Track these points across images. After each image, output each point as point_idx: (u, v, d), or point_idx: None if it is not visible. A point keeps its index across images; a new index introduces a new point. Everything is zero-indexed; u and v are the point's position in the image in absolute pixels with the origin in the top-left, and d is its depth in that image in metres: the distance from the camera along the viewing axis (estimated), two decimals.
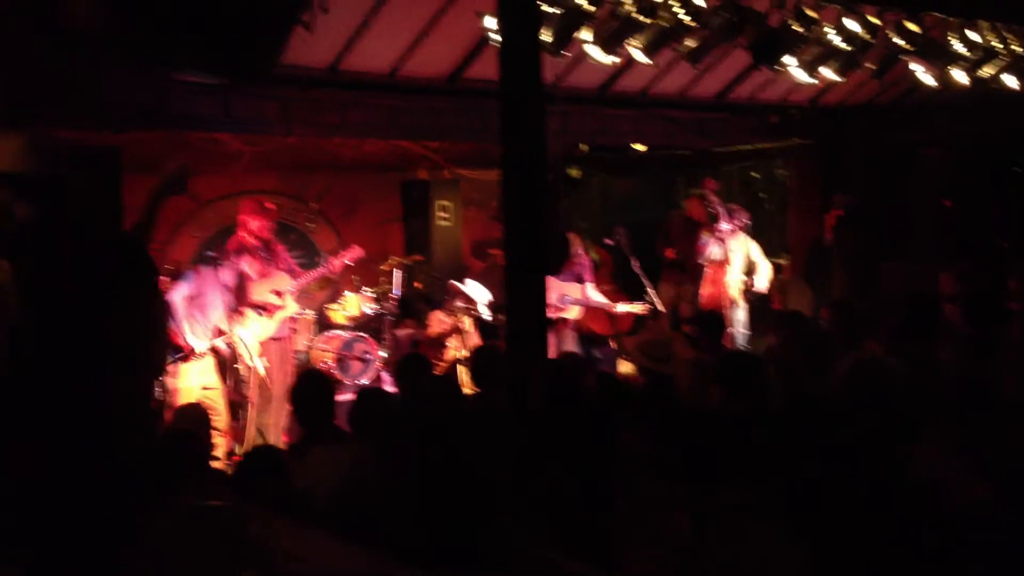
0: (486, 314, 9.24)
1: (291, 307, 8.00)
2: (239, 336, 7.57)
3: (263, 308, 7.80)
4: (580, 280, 9.67)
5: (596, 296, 9.74)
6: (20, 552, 2.93)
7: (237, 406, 7.85)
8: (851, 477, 3.69)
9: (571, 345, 9.62)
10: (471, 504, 2.06)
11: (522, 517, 2.10)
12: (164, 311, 3.66)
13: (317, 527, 2.39)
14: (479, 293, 9.27)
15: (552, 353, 8.93)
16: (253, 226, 7.95)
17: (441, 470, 2.07)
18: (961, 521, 3.37)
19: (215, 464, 5.80)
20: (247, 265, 7.74)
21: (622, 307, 9.77)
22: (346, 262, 8.43)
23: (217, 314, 7.51)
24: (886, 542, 3.23)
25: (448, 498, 2.05)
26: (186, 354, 7.32)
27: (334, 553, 2.03)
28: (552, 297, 9.37)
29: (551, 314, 9.37)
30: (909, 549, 3.25)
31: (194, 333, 7.38)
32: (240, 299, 7.66)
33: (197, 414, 5.58)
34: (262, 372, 7.67)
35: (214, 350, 7.54)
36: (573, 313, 9.61)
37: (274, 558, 1.96)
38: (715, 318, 8.06)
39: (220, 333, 7.53)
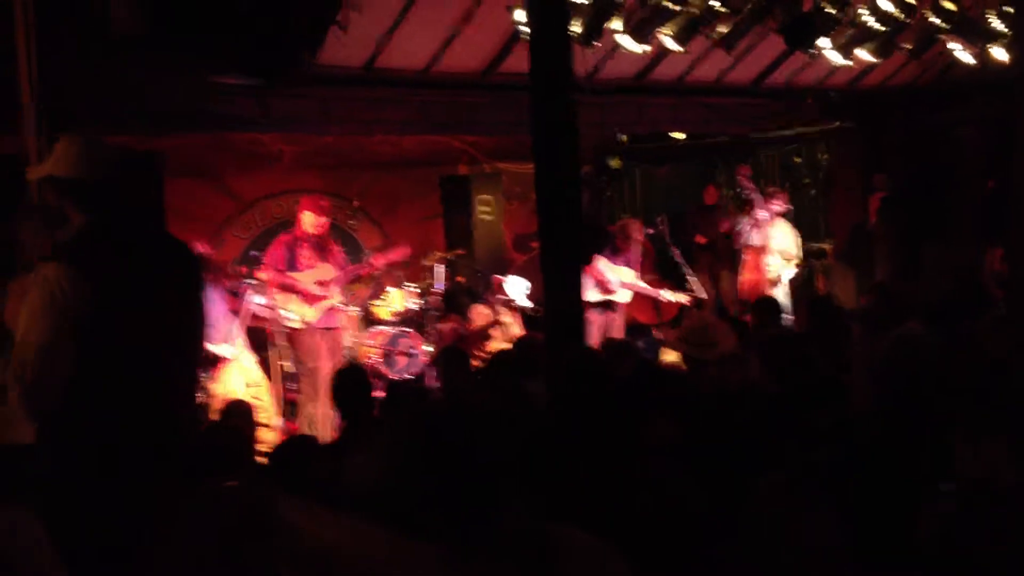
0: (527, 306, 9.31)
1: (335, 297, 8.11)
2: (255, 300, 7.68)
3: (305, 295, 7.94)
4: (630, 265, 9.71)
5: (642, 284, 9.76)
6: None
7: (291, 403, 7.98)
8: (886, 458, 3.68)
9: (620, 332, 9.67)
10: (487, 484, 2.11)
11: (536, 494, 2.15)
12: (205, 311, 3.75)
13: (344, 511, 2.47)
14: (519, 287, 9.33)
15: (600, 337, 9.07)
16: (308, 222, 8.07)
17: (459, 451, 2.13)
18: (995, 505, 3.35)
19: (262, 459, 5.91)
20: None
21: (666, 295, 9.78)
22: (394, 260, 8.61)
23: (215, 309, 7.60)
24: (920, 523, 3.23)
25: (464, 478, 2.11)
26: (216, 362, 7.42)
27: (353, 531, 2.10)
28: (612, 279, 9.44)
29: (604, 295, 9.46)
30: (945, 533, 3.24)
31: (215, 341, 7.46)
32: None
33: (242, 410, 5.70)
34: (296, 323, 7.81)
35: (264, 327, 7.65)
36: (625, 297, 9.65)
37: (298, 536, 2.03)
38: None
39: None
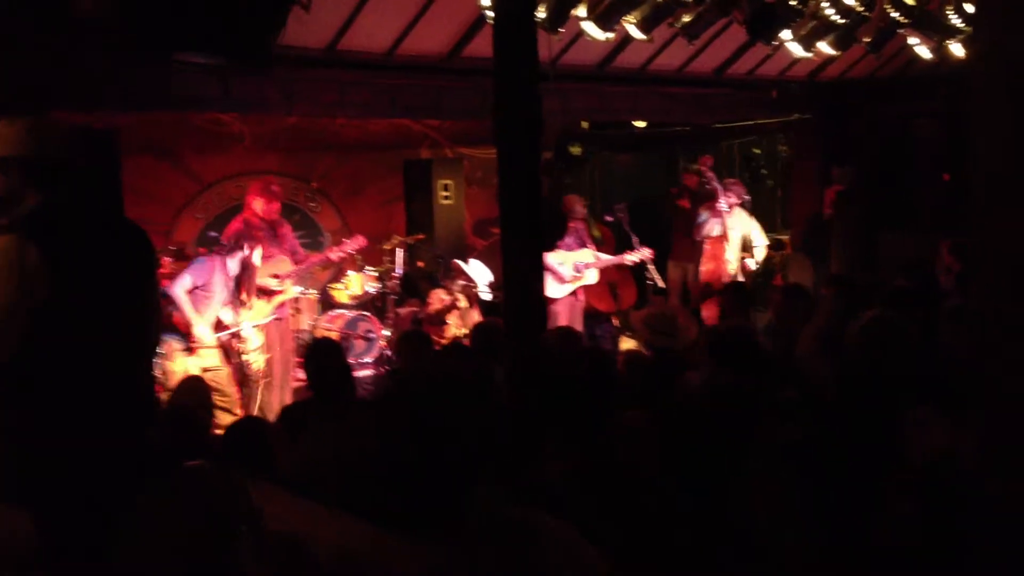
0: (486, 293, 9.32)
1: (290, 291, 8.08)
2: (245, 328, 7.59)
3: (262, 291, 7.89)
4: (584, 245, 9.76)
5: (603, 256, 9.82)
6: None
7: (243, 386, 7.94)
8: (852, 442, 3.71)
9: (579, 319, 9.73)
10: (453, 470, 2.12)
11: (505, 481, 2.17)
12: (159, 294, 3.73)
13: (302, 495, 2.47)
14: (480, 273, 9.34)
15: (568, 322, 9.11)
16: (259, 207, 8.01)
17: (424, 438, 2.14)
18: (962, 493, 3.40)
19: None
20: (252, 252, 7.69)
21: (629, 257, 9.80)
22: (349, 252, 8.60)
23: (218, 306, 7.52)
24: (889, 513, 3.27)
25: (430, 465, 2.12)
26: (191, 346, 7.37)
27: (322, 519, 2.10)
28: (568, 267, 9.50)
29: (571, 283, 9.51)
30: (912, 521, 3.28)
31: (201, 324, 7.40)
32: (246, 287, 7.61)
33: (197, 388, 5.63)
34: (261, 365, 7.73)
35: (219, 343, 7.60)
36: (592, 278, 9.71)
37: (266, 522, 2.02)
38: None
39: (220, 325, 7.55)
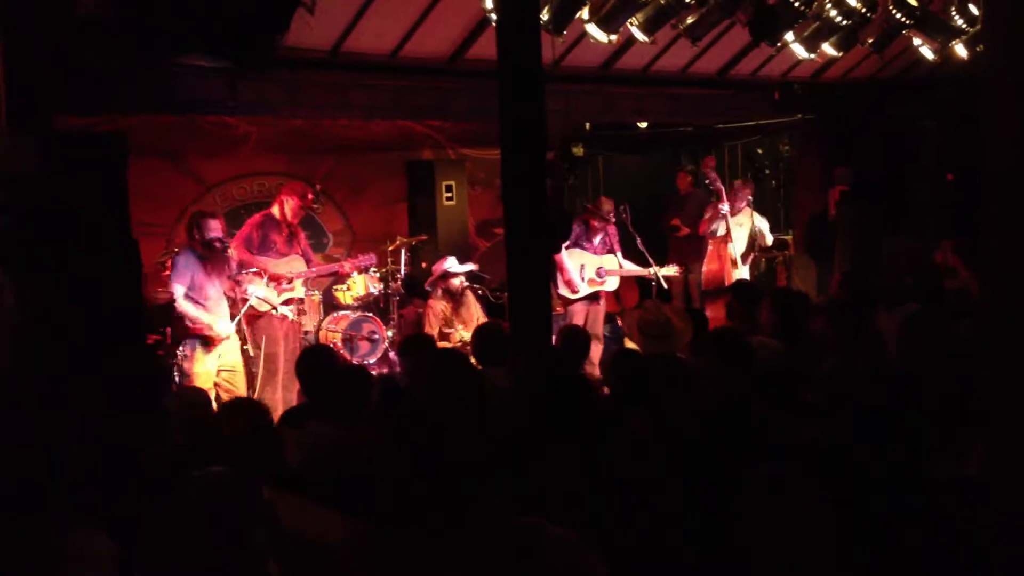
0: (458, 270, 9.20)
1: (298, 291, 8.14)
2: (254, 293, 7.65)
3: (274, 280, 7.95)
4: (613, 251, 9.76)
5: (629, 265, 9.82)
6: None
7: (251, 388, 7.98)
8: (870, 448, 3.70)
9: (598, 323, 9.72)
10: (456, 476, 2.13)
11: (507, 488, 2.18)
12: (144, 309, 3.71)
13: (310, 498, 2.48)
14: (456, 265, 9.22)
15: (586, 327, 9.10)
16: (289, 210, 8.17)
17: (427, 443, 2.15)
18: (952, 495, 3.39)
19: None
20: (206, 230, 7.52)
21: (656, 271, 9.77)
22: (359, 267, 8.73)
23: (217, 289, 7.53)
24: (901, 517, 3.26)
25: (433, 470, 2.12)
26: (212, 341, 7.41)
27: (324, 521, 2.11)
28: (591, 270, 9.50)
29: (591, 288, 9.52)
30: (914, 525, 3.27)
31: (218, 317, 7.44)
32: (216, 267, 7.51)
33: (194, 397, 5.61)
34: (291, 317, 7.90)
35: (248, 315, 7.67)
36: (612, 285, 9.71)
37: (281, 523, 2.04)
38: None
39: (235, 299, 7.63)
